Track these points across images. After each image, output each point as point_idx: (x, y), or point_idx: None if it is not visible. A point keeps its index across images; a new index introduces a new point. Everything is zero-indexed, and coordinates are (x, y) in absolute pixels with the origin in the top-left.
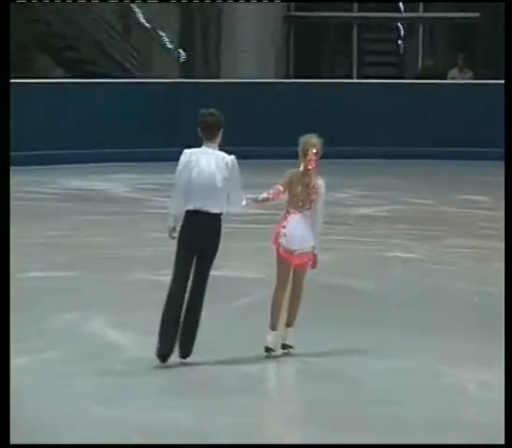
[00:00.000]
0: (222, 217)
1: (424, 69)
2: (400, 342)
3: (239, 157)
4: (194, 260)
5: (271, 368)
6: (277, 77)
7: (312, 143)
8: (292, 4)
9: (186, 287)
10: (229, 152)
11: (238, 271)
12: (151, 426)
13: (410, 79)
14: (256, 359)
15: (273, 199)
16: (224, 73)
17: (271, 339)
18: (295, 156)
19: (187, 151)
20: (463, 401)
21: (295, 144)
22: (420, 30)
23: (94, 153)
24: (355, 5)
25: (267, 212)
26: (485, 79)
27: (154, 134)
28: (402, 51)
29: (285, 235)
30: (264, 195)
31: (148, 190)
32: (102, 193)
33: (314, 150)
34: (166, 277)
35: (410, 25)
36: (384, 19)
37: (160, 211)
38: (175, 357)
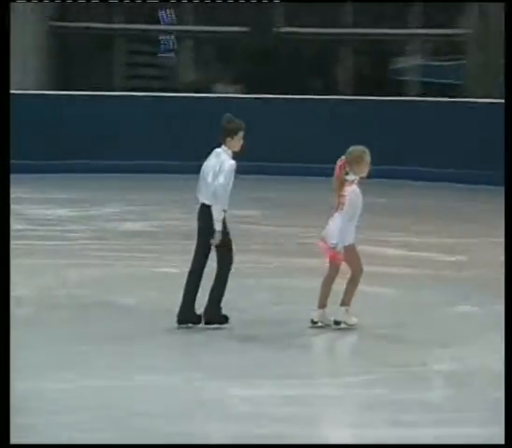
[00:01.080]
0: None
1: (190, 83)
2: (164, 357)
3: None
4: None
5: None
6: (37, 89)
7: (346, 152)
8: (55, 14)
9: (204, 265)
10: None
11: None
12: None
13: (176, 92)
14: None
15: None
16: None
17: (315, 314)
18: (53, 169)
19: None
20: (226, 416)
21: (56, 157)
22: (187, 43)
23: None
24: (119, 16)
25: (59, 229)
26: (252, 93)
27: None
28: (168, 64)
29: (324, 229)
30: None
31: None
32: None
33: (342, 158)
34: None
35: (177, 38)
36: (148, 31)
37: None
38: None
